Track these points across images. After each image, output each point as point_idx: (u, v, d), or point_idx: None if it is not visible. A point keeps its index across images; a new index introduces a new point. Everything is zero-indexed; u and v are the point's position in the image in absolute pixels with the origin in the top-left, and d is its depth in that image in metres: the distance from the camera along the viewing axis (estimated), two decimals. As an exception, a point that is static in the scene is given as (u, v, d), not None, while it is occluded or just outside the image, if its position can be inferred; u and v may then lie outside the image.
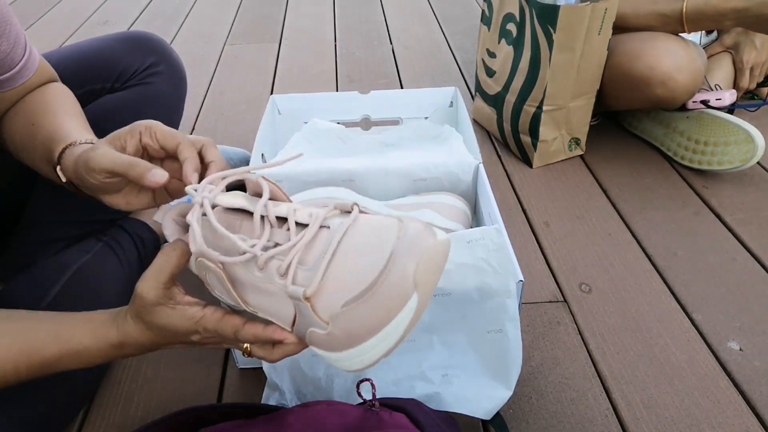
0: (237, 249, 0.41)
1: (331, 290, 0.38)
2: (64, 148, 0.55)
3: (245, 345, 0.46)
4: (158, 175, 0.45)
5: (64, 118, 0.61)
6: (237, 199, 0.42)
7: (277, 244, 0.40)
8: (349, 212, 0.42)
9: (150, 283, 0.44)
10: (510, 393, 0.65)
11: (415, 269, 0.35)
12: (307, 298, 0.38)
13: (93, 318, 0.50)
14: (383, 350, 0.37)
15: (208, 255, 0.41)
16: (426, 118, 1.04)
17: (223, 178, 0.43)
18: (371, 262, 0.37)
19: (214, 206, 0.42)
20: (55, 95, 0.64)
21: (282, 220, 0.42)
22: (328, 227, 0.40)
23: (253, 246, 0.40)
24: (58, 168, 0.55)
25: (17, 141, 0.63)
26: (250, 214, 0.43)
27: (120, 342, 0.48)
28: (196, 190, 0.42)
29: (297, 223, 0.41)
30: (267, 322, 0.43)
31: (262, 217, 0.41)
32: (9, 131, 0.64)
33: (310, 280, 0.38)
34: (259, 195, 0.43)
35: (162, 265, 0.44)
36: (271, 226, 0.41)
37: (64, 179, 0.55)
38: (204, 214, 0.41)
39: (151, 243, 0.86)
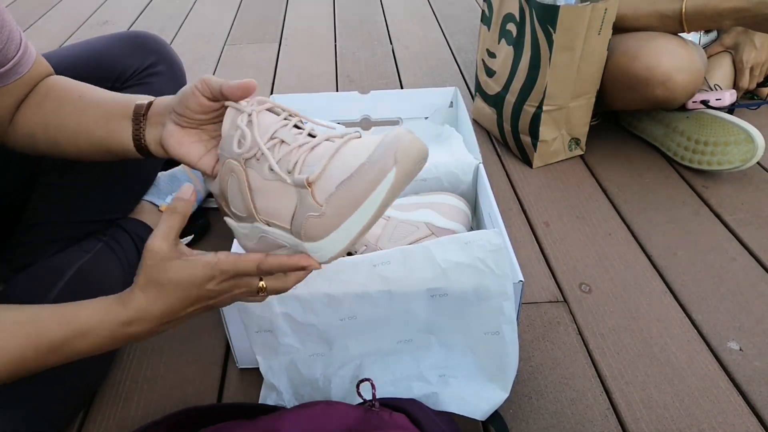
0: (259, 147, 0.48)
1: (328, 177, 0.44)
2: (150, 103, 0.57)
3: (261, 284, 0.49)
4: (250, 83, 0.49)
5: (108, 92, 0.64)
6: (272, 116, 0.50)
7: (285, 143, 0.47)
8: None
9: (161, 239, 0.47)
10: (506, 395, 0.65)
11: (396, 149, 0.42)
12: (309, 184, 0.44)
13: (97, 301, 0.51)
14: (361, 226, 0.43)
15: (237, 156, 0.48)
16: (426, 118, 1.04)
17: (264, 103, 0.50)
18: (363, 154, 0.44)
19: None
20: (73, 80, 0.65)
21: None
22: (332, 141, 0.47)
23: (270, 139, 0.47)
24: (142, 121, 0.57)
25: (52, 124, 0.63)
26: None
27: (129, 319, 0.49)
28: (239, 108, 0.49)
29: (309, 135, 0.48)
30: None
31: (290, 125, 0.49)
32: (32, 120, 0.64)
33: (315, 169, 0.45)
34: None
35: (169, 223, 0.48)
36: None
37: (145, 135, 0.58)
38: (250, 121, 0.48)
39: (151, 243, 0.86)
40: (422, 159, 0.44)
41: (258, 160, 0.47)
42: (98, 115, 0.60)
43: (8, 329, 0.49)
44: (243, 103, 0.50)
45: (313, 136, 0.48)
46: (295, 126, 0.49)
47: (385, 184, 0.42)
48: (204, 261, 0.47)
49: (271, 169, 0.46)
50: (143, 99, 0.58)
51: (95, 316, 0.49)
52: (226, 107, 0.50)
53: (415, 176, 0.45)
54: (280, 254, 0.47)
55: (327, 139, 0.47)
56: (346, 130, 0.49)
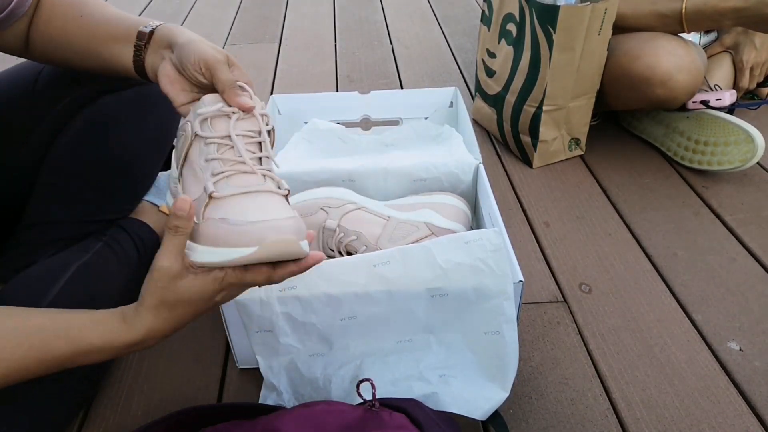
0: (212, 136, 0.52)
1: (222, 206, 0.49)
2: (152, 32, 0.61)
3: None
4: (245, 100, 0.52)
5: (112, 9, 0.67)
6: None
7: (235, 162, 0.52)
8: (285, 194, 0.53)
9: (170, 258, 0.47)
10: (506, 394, 0.65)
11: (268, 238, 0.46)
12: (210, 197, 0.49)
13: (102, 320, 0.51)
14: (213, 261, 0.47)
15: (197, 124, 0.52)
16: (426, 118, 1.04)
17: (250, 110, 0.54)
18: (258, 215, 0.47)
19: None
20: None
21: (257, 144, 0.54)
22: (260, 178, 0.51)
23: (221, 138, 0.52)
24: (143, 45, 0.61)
25: (61, 44, 0.67)
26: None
27: (137, 341, 0.49)
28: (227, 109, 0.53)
29: (259, 158, 0.53)
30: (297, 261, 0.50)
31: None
32: (42, 41, 0.68)
33: (223, 192, 0.49)
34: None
35: (174, 242, 0.48)
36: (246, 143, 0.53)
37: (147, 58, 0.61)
38: (227, 116, 0.53)
39: (150, 243, 0.86)
40: (287, 257, 0.47)
41: (206, 144, 0.52)
42: (102, 36, 0.64)
43: (12, 339, 0.49)
44: (238, 99, 0.53)
45: (259, 160, 0.53)
46: (259, 143, 0.53)
47: (236, 253, 0.46)
48: (212, 277, 0.48)
49: (205, 160, 0.51)
50: (146, 25, 0.61)
51: (100, 339, 0.50)
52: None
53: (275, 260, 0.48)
54: (290, 266, 0.49)
55: (262, 173, 0.52)
56: (280, 180, 0.53)
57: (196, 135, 0.52)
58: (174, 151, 0.57)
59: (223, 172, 0.50)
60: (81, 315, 0.52)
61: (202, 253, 0.48)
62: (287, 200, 0.53)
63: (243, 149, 0.51)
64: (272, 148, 0.56)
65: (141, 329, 0.49)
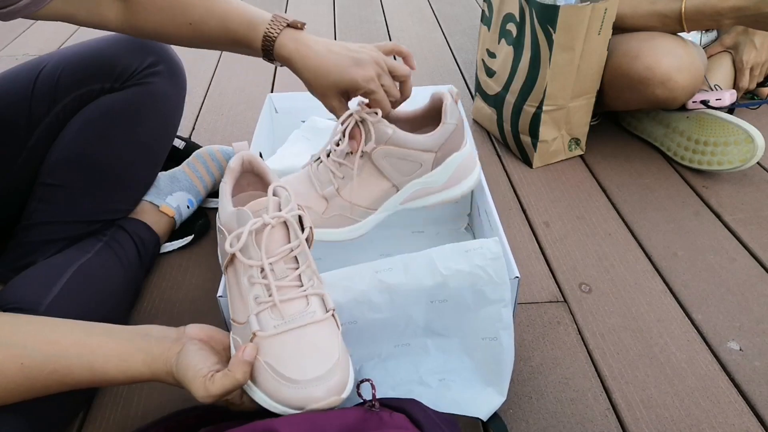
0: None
1: (270, 351, 0.52)
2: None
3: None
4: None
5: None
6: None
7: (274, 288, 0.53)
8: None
9: (206, 390, 0.49)
10: (503, 399, 0.65)
11: (313, 405, 0.50)
12: (253, 335, 0.52)
13: (127, 358, 0.53)
14: (268, 407, 0.51)
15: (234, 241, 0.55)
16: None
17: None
18: (305, 374, 0.51)
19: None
20: None
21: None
22: (310, 301, 0.54)
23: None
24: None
25: (184, 25, 0.70)
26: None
27: (150, 377, 0.53)
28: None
29: (299, 278, 0.55)
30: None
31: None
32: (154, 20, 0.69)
33: (267, 330, 0.52)
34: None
35: (225, 384, 0.49)
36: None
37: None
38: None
39: (151, 243, 0.86)
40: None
41: (245, 266, 0.55)
42: (239, 21, 0.68)
43: (36, 359, 0.51)
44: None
45: (299, 278, 0.55)
46: (295, 257, 0.55)
47: (282, 410, 0.50)
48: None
49: (249, 282, 0.54)
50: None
51: (122, 375, 0.53)
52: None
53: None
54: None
55: (305, 296, 0.54)
56: (324, 293, 0.55)
57: (233, 256, 0.55)
58: (218, 249, 0.61)
59: (266, 302, 0.53)
60: (107, 344, 0.53)
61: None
62: (334, 319, 0.55)
63: (280, 279, 0.53)
64: (311, 243, 0.57)
65: (154, 374, 0.53)
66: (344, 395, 0.51)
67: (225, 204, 0.59)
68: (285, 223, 0.54)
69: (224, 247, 0.55)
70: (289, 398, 0.49)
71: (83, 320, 0.57)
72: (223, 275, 0.60)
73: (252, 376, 0.52)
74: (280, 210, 0.54)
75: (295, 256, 0.55)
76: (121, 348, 0.53)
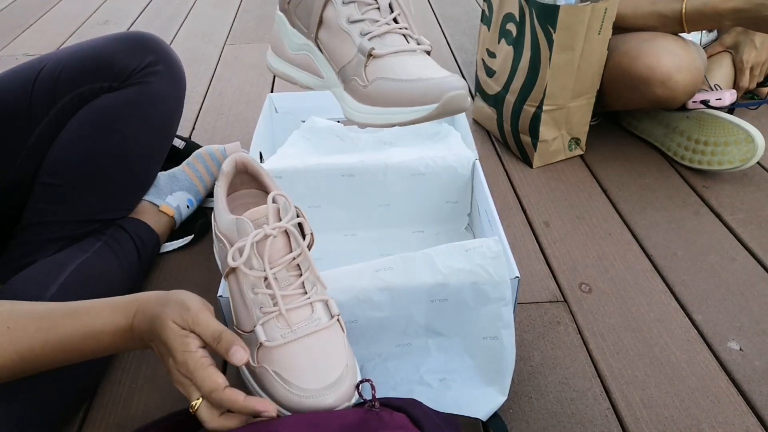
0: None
1: (386, 64, 0.52)
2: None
3: (194, 403, 0.48)
4: (238, 356, 0.48)
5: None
6: None
7: (373, 21, 0.54)
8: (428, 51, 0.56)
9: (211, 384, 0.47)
10: (504, 398, 0.65)
11: (447, 95, 0.48)
12: (370, 55, 0.52)
13: (114, 307, 0.52)
14: (383, 122, 0.51)
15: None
16: (424, 116, 1.04)
17: None
18: (423, 72, 0.50)
19: None
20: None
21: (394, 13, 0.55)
22: (408, 42, 0.55)
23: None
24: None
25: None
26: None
27: (129, 325, 0.52)
28: None
29: (302, 284, 0.55)
30: (248, 393, 0.48)
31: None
32: None
33: (382, 50, 0.52)
34: None
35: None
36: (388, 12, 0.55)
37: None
38: None
39: (150, 243, 0.86)
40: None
41: (341, 4, 0.54)
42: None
43: (20, 320, 0.51)
44: None
45: (302, 285, 0.54)
46: (297, 265, 0.55)
47: (419, 112, 0.49)
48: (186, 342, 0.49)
49: (350, 21, 0.53)
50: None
51: (106, 316, 0.52)
52: None
53: (446, 117, 0.54)
54: (238, 392, 0.47)
55: (310, 303, 0.54)
56: (329, 299, 0.55)
57: (237, 269, 0.54)
58: (292, 7, 0.60)
59: (271, 312, 0.52)
60: (94, 302, 0.53)
61: (373, 113, 0.52)
62: (340, 324, 0.55)
63: (284, 287, 0.53)
64: (311, 248, 0.57)
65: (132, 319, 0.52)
66: (354, 401, 0.51)
67: (221, 210, 0.59)
68: (286, 231, 0.54)
69: (225, 258, 0.55)
70: (299, 407, 0.49)
71: None
72: (223, 279, 0.59)
73: (261, 385, 0.52)
74: (279, 219, 0.54)
75: (298, 264, 0.55)
76: (109, 302, 0.53)
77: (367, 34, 0.53)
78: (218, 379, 0.47)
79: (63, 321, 0.51)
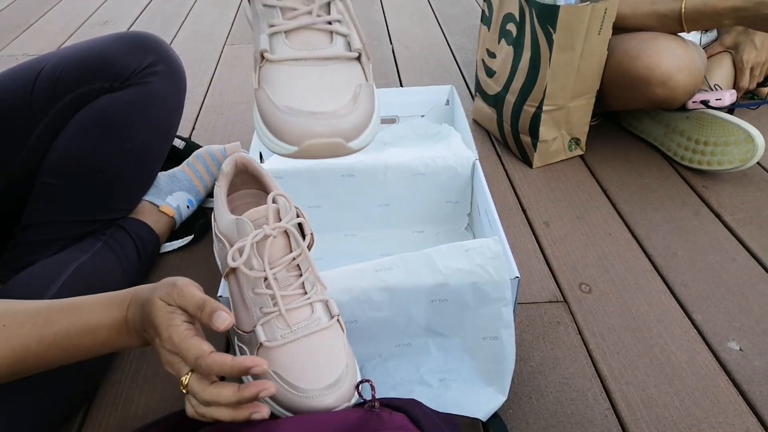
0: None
1: (271, 78, 0.43)
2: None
3: (183, 378, 0.47)
4: (221, 319, 0.47)
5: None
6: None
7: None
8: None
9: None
10: (504, 398, 0.65)
11: (310, 141, 0.42)
12: (262, 56, 0.43)
13: (111, 302, 0.52)
14: (260, 136, 0.44)
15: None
16: (422, 116, 1.04)
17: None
18: (304, 98, 0.42)
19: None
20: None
21: None
22: (325, 60, 0.45)
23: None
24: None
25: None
26: None
27: (123, 318, 0.52)
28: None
29: (302, 284, 0.55)
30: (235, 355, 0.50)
31: None
32: None
33: (277, 54, 0.43)
34: None
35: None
36: None
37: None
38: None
39: (150, 243, 0.86)
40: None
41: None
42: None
43: (17, 317, 0.51)
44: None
45: (302, 285, 0.54)
46: (297, 265, 0.54)
47: (281, 147, 0.43)
48: (170, 317, 0.49)
49: (264, 4, 0.44)
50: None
51: (101, 309, 0.51)
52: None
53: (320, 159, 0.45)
54: (226, 355, 0.46)
55: (309, 303, 0.54)
56: (329, 299, 0.55)
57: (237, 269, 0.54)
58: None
59: (271, 312, 0.53)
60: (89, 298, 0.53)
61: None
62: (340, 324, 0.55)
63: (284, 288, 0.53)
64: (311, 248, 0.56)
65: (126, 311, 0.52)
66: (353, 401, 0.51)
67: (221, 210, 0.59)
68: (286, 232, 0.54)
69: (225, 258, 0.55)
70: (299, 407, 0.49)
71: None
72: (223, 279, 0.59)
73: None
74: (279, 219, 0.54)
75: (298, 264, 0.55)
76: (104, 297, 0.52)
77: (273, 26, 0.43)
78: (203, 346, 0.46)
79: (58, 317, 0.51)
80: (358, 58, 0.44)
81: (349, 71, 0.43)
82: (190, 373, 0.47)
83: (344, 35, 0.44)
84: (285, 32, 0.42)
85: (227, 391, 0.45)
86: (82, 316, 0.51)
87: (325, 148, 0.41)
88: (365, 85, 0.44)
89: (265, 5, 0.43)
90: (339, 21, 0.43)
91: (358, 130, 0.42)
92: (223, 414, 0.45)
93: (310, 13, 0.42)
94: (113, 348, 0.53)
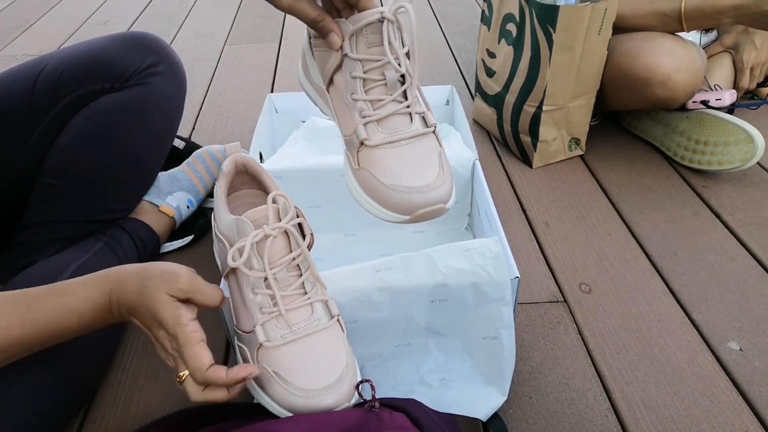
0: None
1: (373, 160, 0.50)
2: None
3: (182, 374, 0.50)
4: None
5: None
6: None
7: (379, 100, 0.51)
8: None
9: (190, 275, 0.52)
10: (504, 398, 0.65)
11: (420, 211, 0.48)
12: (362, 143, 0.50)
13: (91, 280, 0.54)
14: (365, 208, 0.51)
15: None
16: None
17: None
18: (405, 174, 0.49)
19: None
20: None
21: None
22: (412, 138, 0.51)
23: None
24: None
25: None
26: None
27: (106, 303, 0.53)
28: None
29: (302, 284, 0.55)
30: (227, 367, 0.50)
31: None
32: None
33: (374, 141, 0.50)
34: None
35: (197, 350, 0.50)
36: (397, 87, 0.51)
37: None
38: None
39: (150, 243, 0.86)
40: (432, 218, 0.50)
41: (349, 76, 0.50)
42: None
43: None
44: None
45: (302, 285, 0.55)
46: (297, 265, 0.55)
47: (392, 216, 0.49)
48: (177, 312, 0.50)
49: (353, 98, 0.51)
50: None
51: (83, 286, 0.53)
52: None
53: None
54: (221, 369, 0.49)
55: (310, 303, 0.54)
56: (330, 300, 0.55)
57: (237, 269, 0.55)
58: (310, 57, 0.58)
59: (271, 312, 0.53)
60: (73, 280, 0.54)
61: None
62: (340, 324, 0.55)
63: (284, 288, 0.54)
64: (311, 248, 0.57)
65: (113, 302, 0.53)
66: (353, 401, 0.51)
67: (221, 210, 0.59)
68: (286, 232, 0.54)
69: (225, 258, 0.54)
70: (299, 407, 0.49)
71: None
72: (222, 279, 0.60)
73: (261, 384, 0.52)
74: (279, 219, 0.54)
75: (298, 264, 0.55)
76: (83, 280, 0.54)
77: (366, 117, 0.50)
78: (203, 359, 0.48)
79: (39, 302, 0.52)
80: (434, 131, 0.52)
81: (429, 143, 0.51)
82: (187, 372, 0.50)
83: (421, 113, 0.51)
84: (377, 120, 0.50)
85: (219, 395, 0.49)
86: (63, 300, 0.52)
87: (431, 214, 0.49)
88: (441, 151, 0.52)
89: (354, 99, 0.50)
90: (415, 103, 0.51)
91: (450, 192, 0.50)
92: (220, 396, 0.49)
93: (394, 101, 0.50)
94: (100, 327, 0.54)
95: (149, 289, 0.50)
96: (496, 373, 0.65)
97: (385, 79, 0.50)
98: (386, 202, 0.49)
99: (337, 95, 0.53)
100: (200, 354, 0.48)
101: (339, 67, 0.51)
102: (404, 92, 0.50)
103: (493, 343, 0.64)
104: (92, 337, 0.59)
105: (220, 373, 0.48)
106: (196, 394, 0.49)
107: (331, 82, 0.53)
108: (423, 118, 0.52)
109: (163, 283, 0.50)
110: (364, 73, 0.50)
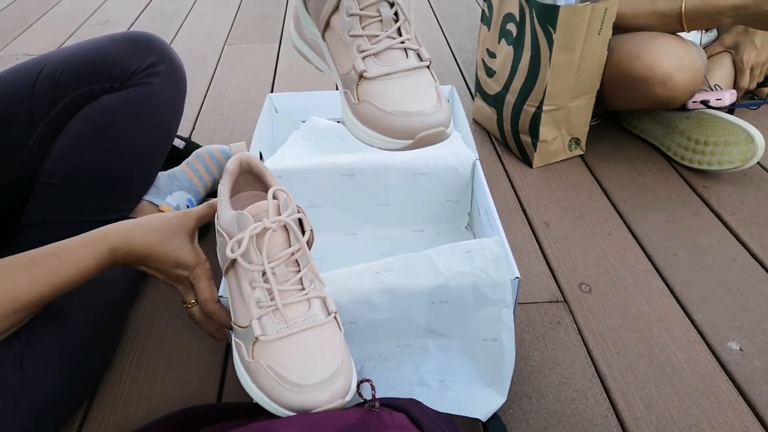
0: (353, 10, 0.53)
1: (373, 91, 0.52)
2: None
3: (191, 301, 0.63)
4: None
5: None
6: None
7: (375, 36, 0.53)
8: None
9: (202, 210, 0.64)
10: (504, 400, 0.65)
11: (423, 134, 0.50)
12: (361, 76, 0.52)
13: (85, 238, 0.59)
14: (368, 142, 0.53)
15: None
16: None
17: None
18: (410, 102, 0.51)
19: None
20: None
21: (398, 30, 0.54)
22: (410, 70, 0.53)
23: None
24: None
25: None
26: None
27: (111, 258, 0.59)
28: None
29: (300, 279, 0.55)
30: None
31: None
32: None
33: (373, 72, 0.52)
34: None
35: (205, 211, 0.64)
36: (391, 25, 0.54)
37: None
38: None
39: (150, 243, 0.86)
40: (435, 144, 0.52)
41: (346, 15, 0.53)
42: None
43: (5, 264, 0.55)
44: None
45: (300, 281, 0.55)
46: (296, 260, 0.56)
47: (395, 143, 0.51)
48: (197, 253, 0.62)
49: (350, 35, 0.53)
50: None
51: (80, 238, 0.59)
52: None
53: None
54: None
55: (307, 299, 0.54)
56: (327, 296, 0.56)
57: (234, 260, 0.56)
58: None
59: (268, 306, 0.54)
60: (69, 240, 0.59)
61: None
62: (337, 321, 0.56)
63: (282, 282, 0.54)
64: (311, 245, 0.58)
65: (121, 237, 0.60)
66: (348, 398, 0.51)
67: (224, 207, 0.59)
68: (285, 226, 0.54)
69: (225, 251, 0.55)
70: (292, 402, 0.49)
71: None
72: (223, 276, 0.60)
73: (255, 380, 0.52)
74: (280, 214, 0.54)
75: (296, 260, 0.55)
76: (84, 239, 0.59)
77: (364, 51, 0.52)
78: (215, 293, 0.61)
79: (46, 258, 0.56)
80: (428, 66, 0.54)
81: (426, 77, 0.53)
82: (195, 303, 0.62)
83: (415, 50, 0.53)
84: (374, 54, 0.52)
85: (213, 327, 0.63)
86: (69, 258, 0.57)
87: (433, 137, 0.50)
88: (437, 86, 0.54)
89: (352, 35, 0.53)
90: (409, 39, 0.53)
91: (450, 119, 0.52)
92: (212, 328, 0.64)
93: (389, 37, 0.53)
94: (96, 274, 0.59)
95: (163, 238, 0.59)
96: (495, 375, 0.65)
97: (380, 15, 0.52)
98: (388, 129, 0.50)
99: (334, 37, 0.55)
100: (212, 288, 0.61)
101: (336, 9, 0.53)
102: (398, 29, 0.53)
103: (493, 344, 0.64)
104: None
105: (222, 313, 0.60)
106: (199, 316, 0.62)
107: (327, 26, 0.55)
108: (418, 54, 0.54)
109: (178, 226, 0.59)
110: (361, 10, 0.52)
